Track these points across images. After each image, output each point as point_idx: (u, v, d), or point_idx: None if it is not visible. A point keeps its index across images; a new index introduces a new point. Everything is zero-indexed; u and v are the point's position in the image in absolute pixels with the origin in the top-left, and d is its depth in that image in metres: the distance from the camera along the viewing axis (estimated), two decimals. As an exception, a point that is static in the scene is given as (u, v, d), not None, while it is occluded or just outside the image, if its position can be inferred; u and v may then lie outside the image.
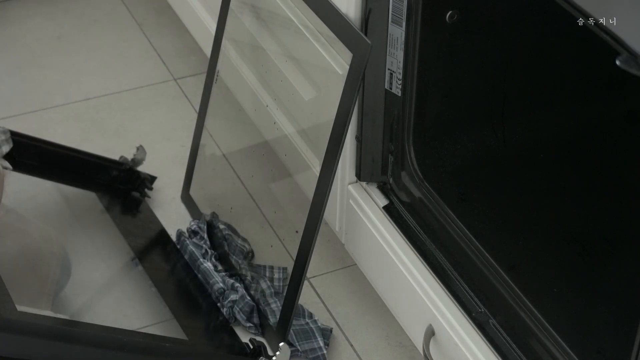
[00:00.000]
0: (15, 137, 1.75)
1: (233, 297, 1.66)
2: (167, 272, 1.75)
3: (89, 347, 1.36)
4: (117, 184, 1.88)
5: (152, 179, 1.91)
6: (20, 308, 1.42)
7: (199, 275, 1.71)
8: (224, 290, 1.67)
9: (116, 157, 1.89)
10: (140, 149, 1.89)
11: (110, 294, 1.74)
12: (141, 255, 1.77)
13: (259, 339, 1.65)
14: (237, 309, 1.66)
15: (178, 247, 1.78)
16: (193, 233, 1.77)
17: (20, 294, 1.53)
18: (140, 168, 1.90)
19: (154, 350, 1.44)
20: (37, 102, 2.13)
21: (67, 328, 1.42)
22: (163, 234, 1.82)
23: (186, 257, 1.75)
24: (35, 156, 1.78)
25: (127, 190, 1.89)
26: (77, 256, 1.77)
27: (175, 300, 1.69)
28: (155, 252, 1.80)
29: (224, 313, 1.66)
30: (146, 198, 1.89)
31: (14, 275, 1.55)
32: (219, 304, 1.68)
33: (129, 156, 1.89)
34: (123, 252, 1.79)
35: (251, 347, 1.55)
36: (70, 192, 1.90)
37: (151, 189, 1.90)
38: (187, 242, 1.76)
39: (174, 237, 1.81)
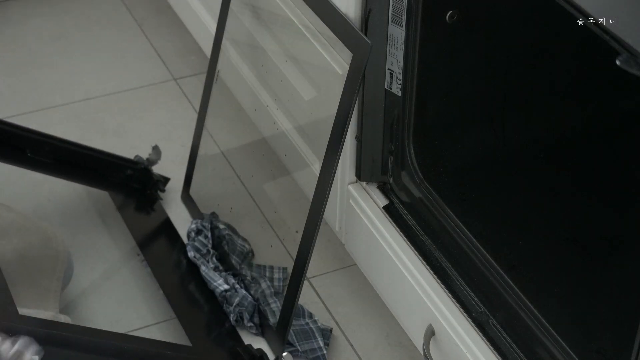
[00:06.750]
0: (29, 133, 1.74)
1: (237, 300, 1.66)
2: (174, 273, 1.74)
3: (87, 353, 1.36)
4: (131, 184, 1.88)
5: (166, 180, 1.90)
6: (23, 310, 1.42)
7: (205, 277, 1.71)
8: (229, 293, 1.67)
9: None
10: (155, 149, 1.88)
11: (115, 293, 1.74)
12: (149, 255, 1.77)
13: (260, 339, 1.64)
14: (243, 309, 1.65)
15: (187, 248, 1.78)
16: (197, 232, 1.77)
17: (27, 293, 1.53)
18: (140, 168, 1.90)
19: (153, 357, 1.43)
20: (37, 102, 2.13)
21: (66, 334, 1.40)
22: (174, 235, 1.81)
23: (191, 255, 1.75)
24: (49, 153, 1.77)
25: (141, 190, 1.89)
26: (86, 255, 1.77)
27: (180, 302, 1.69)
28: (165, 253, 1.79)
29: (231, 319, 1.65)
30: (159, 200, 1.89)
31: (21, 274, 1.55)
32: (224, 307, 1.67)
33: (144, 155, 1.89)
34: (132, 252, 1.79)
35: (251, 355, 1.55)
36: (84, 191, 1.90)
37: (164, 190, 1.89)
38: (189, 243, 1.76)
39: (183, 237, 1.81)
